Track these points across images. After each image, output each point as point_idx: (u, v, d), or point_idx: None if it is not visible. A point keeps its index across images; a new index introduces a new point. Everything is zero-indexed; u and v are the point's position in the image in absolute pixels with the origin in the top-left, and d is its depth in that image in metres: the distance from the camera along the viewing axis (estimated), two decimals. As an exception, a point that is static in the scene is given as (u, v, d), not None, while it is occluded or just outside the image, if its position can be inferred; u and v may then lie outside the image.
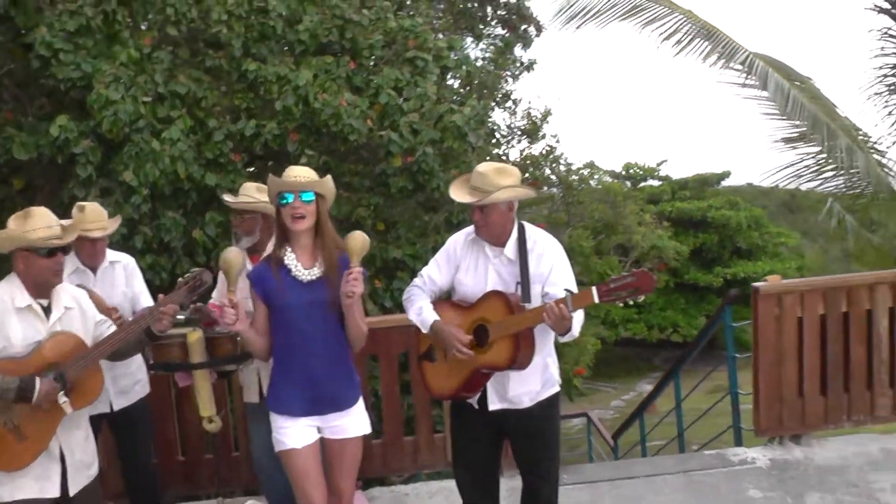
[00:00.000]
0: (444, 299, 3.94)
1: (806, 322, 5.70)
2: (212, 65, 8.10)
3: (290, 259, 3.57)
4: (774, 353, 5.70)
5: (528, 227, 3.83)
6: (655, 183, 31.61)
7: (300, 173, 3.52)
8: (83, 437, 3.70)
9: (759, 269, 25.70)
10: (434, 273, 3.91)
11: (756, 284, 5.75)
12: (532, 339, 3.64)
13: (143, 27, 8.15)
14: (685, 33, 7.81)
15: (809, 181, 8.31)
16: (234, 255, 3.61)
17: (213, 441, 5.28)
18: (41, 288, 3.52)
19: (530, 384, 3.79)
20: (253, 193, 4.47)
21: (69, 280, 4.28)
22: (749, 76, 7.68)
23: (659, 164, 32.30)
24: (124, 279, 4.69)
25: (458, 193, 3.76)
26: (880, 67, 7.50)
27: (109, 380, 4.34)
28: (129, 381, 4.62)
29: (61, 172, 7.46)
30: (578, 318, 3.56)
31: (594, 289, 3.37)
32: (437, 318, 3.75)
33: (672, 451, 8.24)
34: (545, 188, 17.36)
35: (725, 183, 31.54)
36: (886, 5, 7.24)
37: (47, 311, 3.56)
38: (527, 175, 16.10)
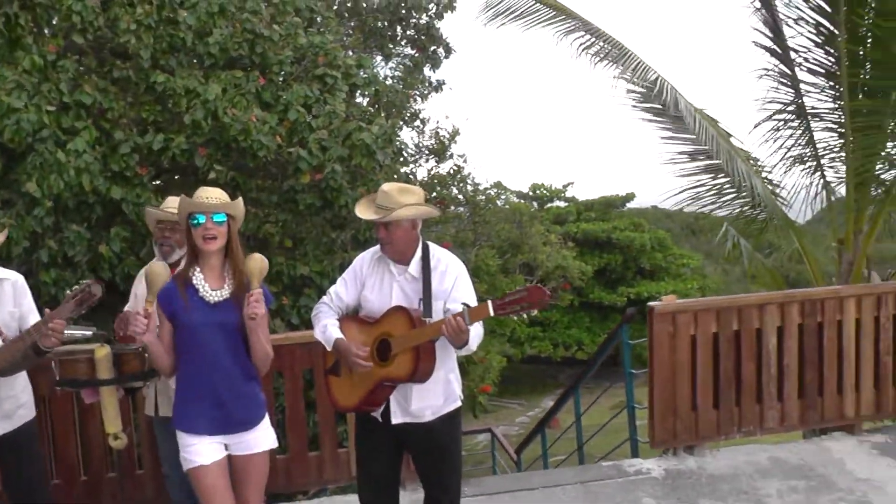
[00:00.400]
0: (351, 315, 4.03)
1: (699, 340, 5.98)
2: (119, 75, 7.98)
3: (198, 279, 3.59)
4: (669, 369, 5.95)
5: (432, 245, 3.97)
6: (562, 204, 32.22)
7: (212, 194, 3.56)
8: None
9: (662, 288, 26.41)
10: (341, 291, 4.03)
11: (651, 304, 6.00)
12: (433, 353, 3.75)
13: (47, 33, 8.00)
14: (600, 48, 8.04)
15: (707, 205, 8.62)
16: (160, 268, 3.64)
17: (117, 459, 5.21)
18: None
19: (432, 398, 3.90)
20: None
21: None
22: (654, 98, 7.93)
23: (565, 186, 33.00)
24: (12, 298, 4.43)
25: (364, 211, 3.89)
26: (770, 101, 7.82)
27: None
28: (12, 405, 4.29)
29: (-41, 184, 7.28)
30: (476, 332, 3.70)
31: (489, 303, 3.52)
32: (341, 335, 3.85)
33: (573, 463, 8.42)
34: (452, 207, 17.52)
35: (631, 205, 32.35)
36: (768, 42, 7.54)
37: None
38: (434, 194, 16.26)
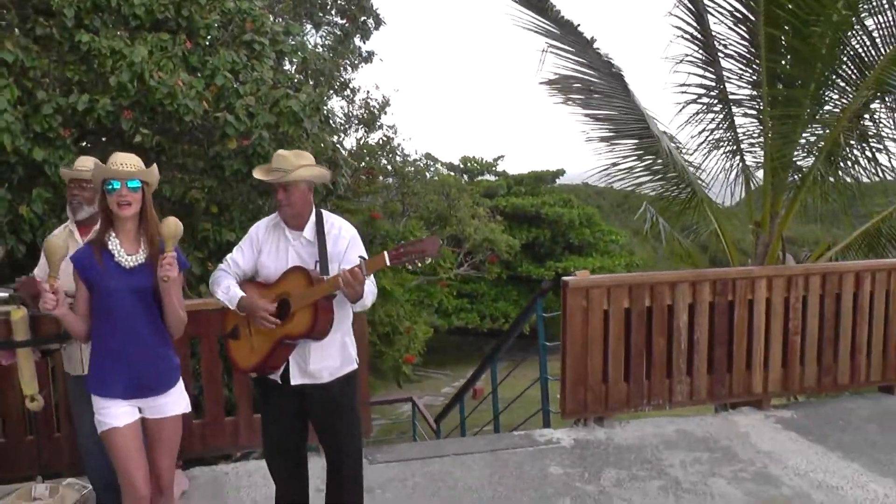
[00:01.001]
0: (249, 280, 4.11)
1: (612, 314, 6.12)
2: (42, 33, 7.84)
3: (113, 244, 3.59)
4: (581, 342, 6.09)
5: (325, 212, 4.09)
6: (492, 178, 32.38)
7: (126, 160, 3.55)
8: None
9: (589, 264, 26.75)
10: (238, 257, 4.10)
11: (565, 278, 6.13)
12: (330, 310, 3.87)
13: (-36, -14, 7.83)
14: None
15: (630, 183, 8.74)
16: (58, 240, 3.60)
17: (34, 421, 5.20)
18: None
19: (329, 360, 4.02)
20: (90, 166, 4.44)
21: None
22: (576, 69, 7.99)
23: (496, 160, 33.19)
24: None
25: (263, 174, 3.98)
26: (691, 86, 7.90)
27: None
28: None
29: None
30: (370, 289, 3.86)
31: (385, 253, 3.69)
32: (243, 294, 3.94)
33: (489, 433, 8.61)
34: (381, 178, 17.59)
35: (561, 181, 32.61)
36: (690, 28, 7.60)
37: None
38: (363, 164, 16.31)
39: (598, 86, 8.05)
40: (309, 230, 4.00)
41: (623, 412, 6.31)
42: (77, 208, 4.39)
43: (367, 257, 3.81)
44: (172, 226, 3.55)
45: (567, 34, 7.91)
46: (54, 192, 7.41)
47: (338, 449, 4.15)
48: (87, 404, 3.73)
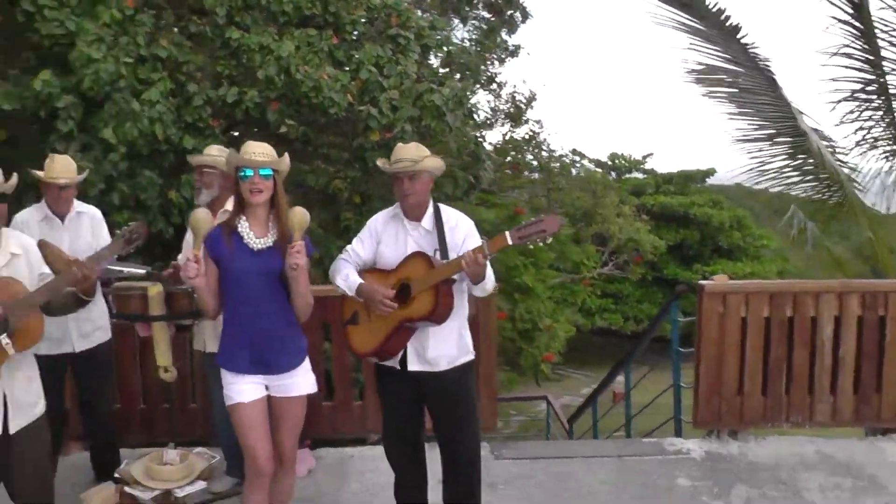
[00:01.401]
0: (368, 269, 4.16)
1: (750, 322, 5.81)
2: (195, 31, 8.19)
3: (243, 227, 3.71)
4: (716, 350, 5.82)
5: (442, 205, 4.13)
6: (640, 175, 31.72)
7: (259, 149, 3.66)
8: (25, 378, 3.74)
9: (738, 269, 25.78)
10: (358, 247, 4.17)
11: (702, 282, 5.89)
12: (450, 294, 3.90)
13: (127, -13, 8.21)
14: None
15: (778, 183, 8.32)
16: (202, 214, 3.75)
17: (170, 391, 5.49)
18: None
19: (447, 348, 4.04)
20: (214, 153, 4.75)
21: (39, 227, 4.63)
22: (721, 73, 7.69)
23: (645, 157, 32.44)
24: (90, 229, 4.94)
25: (386, 164, 4.04)
26: (847, 80, 7.42)
27: (72, 323, 4.64)
28: (89, 327, 4.84)
29: (43, 126, 7.56)
30: (489, 274, 3.88)
31: (507, 232, 3.72)
32: (362, 281, 4.00)
33: (621, 438, 8.41)
34: (526, 173, 17.51)
35: (711, 181, 31.59)
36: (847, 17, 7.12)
37: None
38: (508, 158, 16.26)
39: (743, 79, 7.70)
40: (427, 220, 4.04)
41: (758, 427, 5.98)
42: (197, 192, 4.74)
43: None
44: (299, 215, 3.65)
45: (710, 27, 7.62)
46: (202, 178, 7.70)
47: (453, 438, 4.17)
48: (219, 379, 3.86)
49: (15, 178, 3.76)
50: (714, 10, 7.52)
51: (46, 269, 3.82)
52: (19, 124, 7.78)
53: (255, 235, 3.69)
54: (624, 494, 5.12)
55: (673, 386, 6.64)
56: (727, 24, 7.60)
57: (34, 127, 7.76)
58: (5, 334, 3.49)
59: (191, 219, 3.73)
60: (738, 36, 7.64)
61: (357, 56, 8.57)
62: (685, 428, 6.42)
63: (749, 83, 7.71)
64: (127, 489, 4.19)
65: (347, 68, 8.55)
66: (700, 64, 7.68)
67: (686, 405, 6.35)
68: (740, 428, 5.96)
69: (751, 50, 7.67)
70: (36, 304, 3.57)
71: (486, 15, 16.36)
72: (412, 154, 3.95)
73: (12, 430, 3.66)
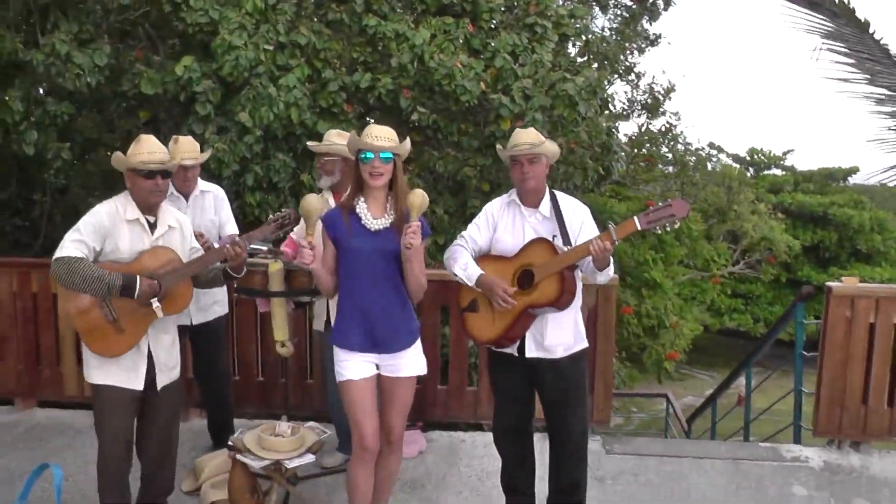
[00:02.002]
0: (487, 254, 4.20)
1: (878, 329, 5.57)
2: (333, 18, 8.37)
3: (361, 208, 3.81)
4: (841, 356, 5.61)
5: (556, 191, 4.17)
6: (779, 172, 30.69)
7: (381, 133, 3.74)
8: (170, 342, 4.15)
9: (877, 274, 24.59)
10: (475, 234, 4.21)
11: (830, 284, 5.68)
12: (574, 280, 3.94)
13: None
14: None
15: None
16: (314, 200, 3.89)
17: (286, 366, 5.70)
18: (144, 205, 3.96)
19: (565, 335, 4.09)
20: (334, 139, 4.94)
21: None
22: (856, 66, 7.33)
23: (785, 153, 31.33)
24: (213, 207, 5.21)
25: (505, 151, 4.12)
26: None
27: None
28: (208, 300, 5.16)
29: (183, 109, 7.93)
30: (611, 263, 3.89)
31: (636, 217, 3.75)
32: (482, 272, 4.04)
33: (737, 441, 8.20)
34: (660, 166, 17.17)
35: (854, 180, 30.22)
36: None
37: (153, 226, 4.01)
38: (643, 150, 15.98)
39: (879, 74, 7.31)
40: (545, 206, 4.08)
41: (882, 440, 5.76)
42: (319, 177, 4.94)
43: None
44: (419, 197, 3.73)
45: (842, 25, 7.27)
46: (334, 163, 7.88)
47: (562, 425, 4.21)
48: (332, 357, 3.97)
49: (178, 159, 4.20)
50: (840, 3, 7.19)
51: (197, 244, 4.22)
52: (160, 106, 8.15)
53: (372, 216, 3.79)
54: (735, 499, 5.05)
55: (794, 390, 6.43)
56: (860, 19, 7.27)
57: (175, 110, 8.10)
58: (156, 298, 3.84)
59: (301, 204, 3.90)
60: (871, 31, 7.28)
61: (493, 44, 8.56)
62: (805, 435, 6.24)
63: (886, 81, 7.33)
64: (239, 457, 4.37)
65: (482, 56, 8.55)
66: (836, 62, 7.34)
67: (807, 412, 6.18)
68: (863, 440, 5.75)
69: (883, 44, 7.30)
70: (187, 275, 3.96)
71: (628, 2, 16.06)
72: (532, 138, 4.02)
73: (158, 386, 4.07)
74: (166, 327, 4.09)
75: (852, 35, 7.25)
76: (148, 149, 3.91)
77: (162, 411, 4.15)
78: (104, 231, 3.85)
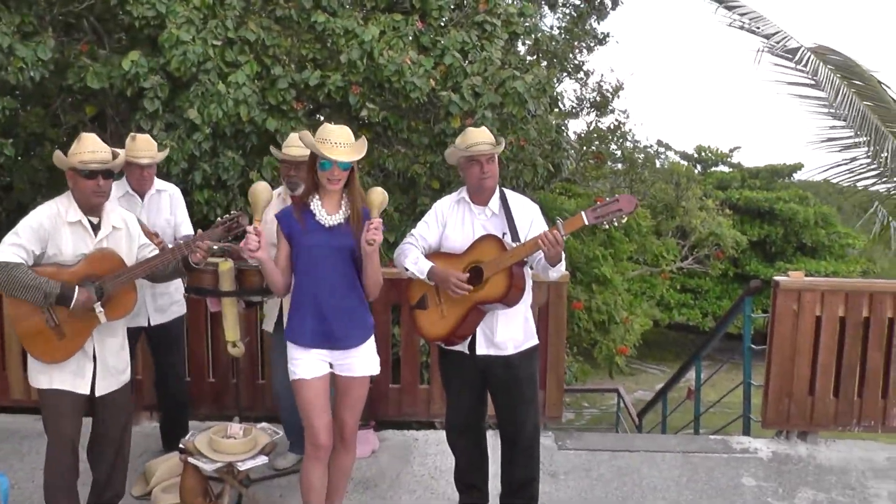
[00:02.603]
0: (435, 252, 4.24)
1: (824, 321, 5.69)
2: (282, 14, 8.27)
3: (315, 205, 3.81)
4: (789, 349, 5.71)
5: (505, 189, 4.24)
6: (726, 169, 31.09)
7: (339, 138, 3.70)
8: (118, 346, 4.09)
9: (822, 268, 24.98)
10: (424, 232, 4.26)
11: (777, 278, 5.78)
12: (523, 277, 3.98)
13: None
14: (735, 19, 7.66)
15: (857, 180, 8.05)
16: (261, 187, 3.90)
17: (238, 367, 5.68)
18: (87, 206, 3.87)
19: (515, 331, 4.13)
20: (299, 144, 4.76)
21: (119, 203, 4.75)
22: (799, 69, 7.47)
23: (731, 151, 31.75)
24: (169, 207, 5.16)
25: (458, 153, 4.15)
26: None
27: (149, 297, 4.91)
28: (166, 301, 5.10)
29: (130, 104, 7.81)
30: (561, 259, 3.94)
31: (583, 212, 3.80)
32: (433, 264, 4.09)
33: (688, 434, 8.30)
34: (609, 163, 17.31)
35: (799, 176, 30.70)
36: None
37: (96, 228, 3.93)
38: (592, 148, 16.09)
39: (822, 74, 7.45)
40: (494, 203, 4.12)
41: (829, 429, 5.88)
42: (294, 186, 4.84)
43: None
44: (379, 195, 3.79)
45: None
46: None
47: (514, 422, 4.26)
48: (282, 356, 3.97)
49: (122, 154, 4.05)
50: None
51: (145, 240, 4.15)
52: (107, 102, 8.03)
53: (326, 212, 3.79)
54: (686, 491, 5.11)
55: (743, 383, 6.53)
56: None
57: (122, 105, 7.98)
58: (99, 303, 3.77)
59: (250, 192, 3.90)
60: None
61: (442, 42, 8.55)
62: (754, 427, 6.34)
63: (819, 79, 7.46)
64: (191, 460, 4.31)
65: (431, 54, 8.54)
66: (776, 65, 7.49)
67: (756, 404, 6.27)
68: (810, 430, 5.88)
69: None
70: (132, 279, 3.89)
71: (576, 1, 16.14)
72: (488, 137, 4.07)
73: (99, 391, 3.99)
74: (113, 331, 4.02)
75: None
76: (89, 148, 3.82)
77: (112, 415, 4.10)
78: (44, 234, 3.78)
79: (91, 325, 3.85)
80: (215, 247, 4.25)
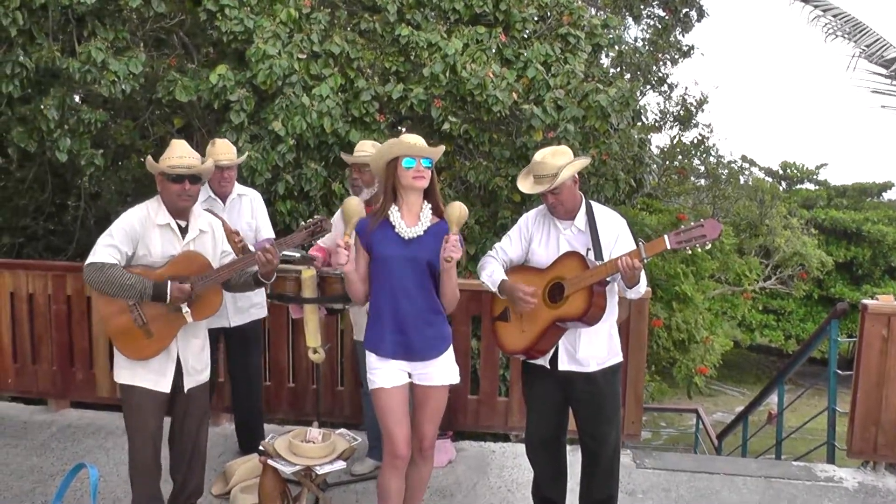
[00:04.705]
0: (521, 266, 4.20)
1: (916, 349, 5.46)
2: (366, 27, 8.40)
3: (394, 216, 3.81)
4: (877, 376, 5.50)
5: (593, 203, 4.11)
6: (812, 186, 30.42)
7: (416, 141, 3.78)
8: (199, 347, 4.21)
9: (910, 293, 24.22)
10: (507, 246, 4.22)
11: (865, 301, 5.56)
12: (604, 296, 3.89)
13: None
14: (829, 22, 7.49)
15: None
16: (355, 203, 3.87)
17: (318, 373, 5.74)
18: (174, 209, 4.00)
19: (598, 348, 4.06)
20: (369, 149, 4.94)
21: (201, 206, 4.87)
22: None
23: (818, 168, 31.11)
24: (250, 211, 5.30)
25: (528, 185, 4.06)
26: None
27: (229, 299, 5.01)
28: (246, 303, 5.22)
29: (217, 117, 7.99)
30: (643, 278, 3.85)
31: (666, 237, 3.68)
32: (505, 277, 4.05)
33: (770, 459, 8.10)
34: (692, 178, 17.05)
35: (889, 195, 29.78)
36: None
37: (184, 231, 4.06)
38: (675, 162, 15.89)
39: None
40: (580, 219, 4.03)
41: (920, 463, 5.60)
42: (357, 190, 4.92)
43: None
44: (458, 209, 3.72)
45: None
46: (366, 172, 7.90)
47: (596, 440, 4.18)
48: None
49: (211, 162, 4.24)
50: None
51: (228, 248, 4.26)
52: (194, 114, 8.23)
53: (405, 224, 3.79)
54: (766, 516, 4.94)
55: (828, 409, 6.31)
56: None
57: (209, 118, 8.18)
58: (186, 303, 3.90)
59: (343, 207, 3.90)
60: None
61: (525, 54, 8.56)
62: (839, 455, 6.10)
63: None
64: (270, 461, 4.37)
65: (514, 67, 8.54)
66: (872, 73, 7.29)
67: (840, 432, 6.06)
68: (899, 462, 5.60)
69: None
70: (218, 281, 4.00)
71: (661, 13, 15.97)
72: (548, 168, 3.90)
73: (187, 387, 4.13)
74: (196, 332, 4.15)
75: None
76: (178, 153, 3.97)
77: (190, 414, 4.22)
78: (135, 235, 3.91)
79: (178, 324, 3.98)
80: (297, 255, 4.32)
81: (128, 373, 4.01)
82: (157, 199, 4.03)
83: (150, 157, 4.02)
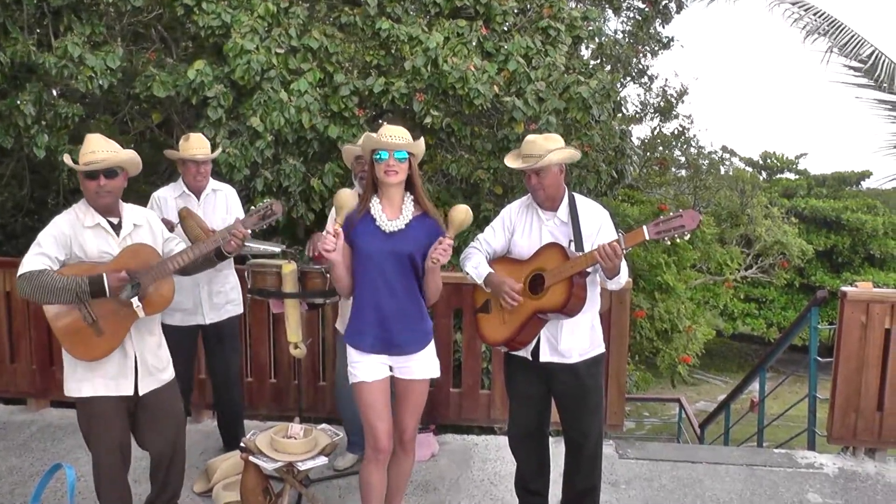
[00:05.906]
0: (502, 257, 4.20)
1: (893, 334, 5.51)
2: (346, 21, 8.35)
3: (376, 210, 3.80)
4: (856, 362, 5.55)
5: (576, 194, 4.12)
6: (792, 176, 30.57)
7: (395, 133, 3.74)
8: (156, 344, 4.05)
9: (890, 279, 24.36)
10: (490, 237, 4.22)
11: (844, 289, 5.61)
12: (584, 287, 3.91)
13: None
14: (808, 22, 7.54)
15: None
16: (348, 193, 3.85)
17: (299, 368, 5.73)
18: (98, 207, 3.83)
19: (579, 340, 4.07)
20: None
21: (176, 203, 4.97)
22: (870, 75, 7.32)
23: (798, 157, 31.27)
24: (225, 206, 5.27)
25: (514, 162, 4.06)
26: None
27: (205, 295, 5.02)
28: (221, 300, 5.20)
29: (195, 112, 7.92)
30: (623, 268, 3.86)
31: (645, 227, 3.70)
32: (491, 270, 4.05)
33: (752, 447, 8.16)
34: (673, 169, 17.11)
35: (867, 184, 29.99)
36: None
37: (117, 227, 3.90)
38: (657, 153, 15.94)
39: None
40: (562, 211, 4.03)
41: (898, 447, 5.65)
42: (359, 182, 4.92)
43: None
44: (461, 213, 3.72)
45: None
46: (345, 167, 7.84)
47: (579, 431, 4.20)
48: (345, 357, 3.97)
49: (131, 152, 3.93)
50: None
51: (169, 234, 4.12)
52: (172, 109, 8.18)
53: (387, 217, 3.79)
54: (749, 504, 4.97)
55: (808, 396, 6.37)
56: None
57: (187, 113, 8.13)
58: (136, 297, 3.73)
59: (336, 196, 3.85)
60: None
61: (506, 47, 8.54)
62: (819, 442, 6.16)
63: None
64: (252, 458, 4.37)
65: (495, 60, 8.53)
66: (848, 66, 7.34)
67: (821, 418, 6.11)
68: (878, 447, 5.69)
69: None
70: (168, 273, 3.84)
71: (640, 5, 15.93)
72: (537, 149, 3.93)
73: (141, 391, 3.95)
74: (151, 328, 3.99)
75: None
76: (90, 148, 3.76)
77: (161, 414, 4.05)
78: (65, 241, 3.76)
79: (129, 320, 3.80)
80: (277, 249, 4.28)
81: (86, 385, 3.82)
82: (84, 200, 3.86)
83: (67, 157, 3.95)
